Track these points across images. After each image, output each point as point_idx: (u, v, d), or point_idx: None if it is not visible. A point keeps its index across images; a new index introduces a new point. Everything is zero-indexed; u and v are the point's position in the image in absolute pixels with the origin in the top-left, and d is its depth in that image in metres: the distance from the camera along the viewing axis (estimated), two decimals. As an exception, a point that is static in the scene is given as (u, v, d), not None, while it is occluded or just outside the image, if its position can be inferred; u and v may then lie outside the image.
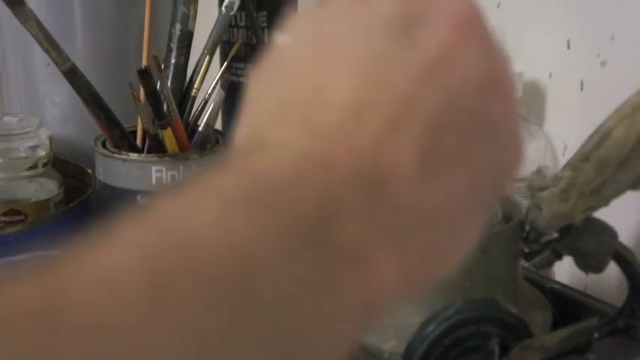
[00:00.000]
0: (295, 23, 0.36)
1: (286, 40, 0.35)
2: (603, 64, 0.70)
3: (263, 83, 0.35)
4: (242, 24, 0.86)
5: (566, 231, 0.57)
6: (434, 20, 0.33)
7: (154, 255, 0.25)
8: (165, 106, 0.73)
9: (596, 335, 0.58)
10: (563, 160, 0.74)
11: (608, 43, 0.69)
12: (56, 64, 0.70)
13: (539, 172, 0.60)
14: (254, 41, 0.87)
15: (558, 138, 0.75)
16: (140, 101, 0.72)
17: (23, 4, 0.67)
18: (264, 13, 0.91)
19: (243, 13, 0.85)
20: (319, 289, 0.29)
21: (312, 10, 0.36)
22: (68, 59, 0.70)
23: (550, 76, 0.75)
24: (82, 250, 0.25)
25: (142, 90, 0.72)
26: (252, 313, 0.26)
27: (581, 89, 0.72)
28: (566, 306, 0.62)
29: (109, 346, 0.23)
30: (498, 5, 0.79)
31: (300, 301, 0.28)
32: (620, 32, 0.69)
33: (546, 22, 0.76)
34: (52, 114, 0.90)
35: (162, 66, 0.76)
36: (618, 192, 0.55)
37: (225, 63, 0.80)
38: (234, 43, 0.84)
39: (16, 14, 0.67)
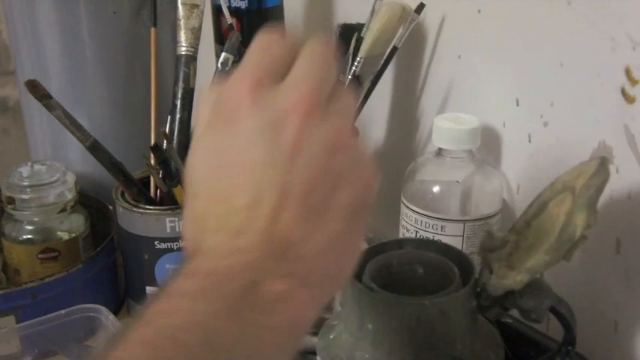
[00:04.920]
0: (196, 145, 0.50)
1: (192, 161, 0.50)
2: (545, 124, 0.76)
3: (189, 199, 0.49)
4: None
5: (510, 292, 0.67)
6: (287, 122, 0.46)
7: (155, 344, 0.40)
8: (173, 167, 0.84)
9: (539, 372, 0.69)
10: (517, 198, 0.83)
11: (549, 108, 0.75)
12: (81, 141, 0.80)
13: (489, 233, 0.69)
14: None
15: (513, 179, 0.82)
16: (153, 168, 0.83)
17: (50, 97, 0.77)
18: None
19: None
20: (260, 328, 0.44)
21: (198, 134, 0.50)
22: (90, 136, 0.81)
23: (504, 125, 0.81)
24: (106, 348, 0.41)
25: (152, 158, 0.83)
26: (215, 350, 0.41)
27: (529, 141, 0.80)
28: (518, 340, 0.74)
29: None
30: (459, 57, 0.86)
31: (249, 338, 0.43)
32: (558, 100, 0.74)
33: (500, 79, 0.81)
34: (73, 152, 1.01)
35: (168, 123, 0.87)
36: (549, 267, 0.65)
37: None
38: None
39: (45, 105, 0.77)
